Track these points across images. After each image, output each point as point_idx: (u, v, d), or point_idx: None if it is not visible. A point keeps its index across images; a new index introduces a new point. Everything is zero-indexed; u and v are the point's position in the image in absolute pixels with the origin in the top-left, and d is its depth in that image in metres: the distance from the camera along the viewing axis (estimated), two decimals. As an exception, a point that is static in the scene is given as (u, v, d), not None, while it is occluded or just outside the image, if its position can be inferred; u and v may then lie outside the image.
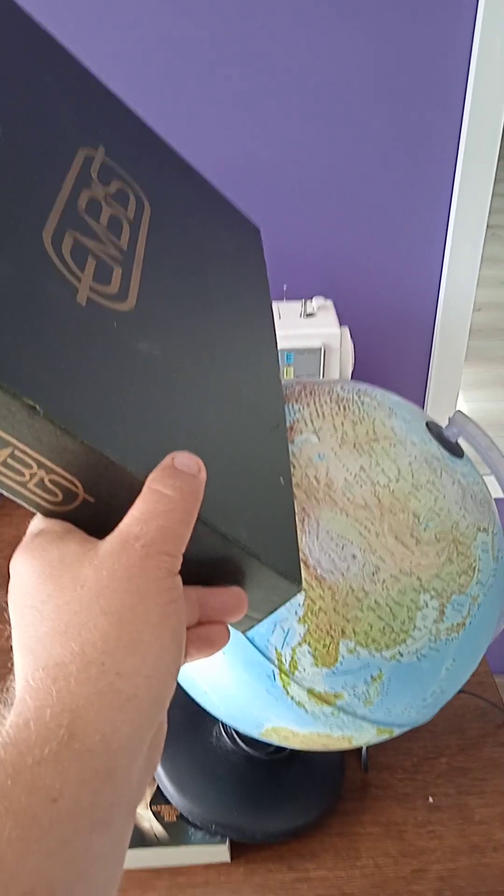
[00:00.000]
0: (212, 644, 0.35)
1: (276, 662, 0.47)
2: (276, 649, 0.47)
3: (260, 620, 0.39)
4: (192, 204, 0.54)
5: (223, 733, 0.74)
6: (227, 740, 0.73)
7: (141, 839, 0.69)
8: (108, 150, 0.46)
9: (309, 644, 0.46)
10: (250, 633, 0.47)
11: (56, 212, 0.37)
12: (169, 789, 0.71)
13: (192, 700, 0.58)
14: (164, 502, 0.30)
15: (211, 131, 1.13)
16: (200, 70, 1.08)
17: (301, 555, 0.45)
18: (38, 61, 0.46)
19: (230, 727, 0.73)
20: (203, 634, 0.35)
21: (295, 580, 0.36)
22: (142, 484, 0.30)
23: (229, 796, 0.71)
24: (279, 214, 1.21)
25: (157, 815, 0.71)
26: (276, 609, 0.39)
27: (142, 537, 0.29)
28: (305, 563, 0.45)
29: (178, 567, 0.30)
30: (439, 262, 1.27)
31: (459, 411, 0.55)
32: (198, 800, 0.70)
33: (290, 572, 0.36)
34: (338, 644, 0.46)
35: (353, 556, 0.45)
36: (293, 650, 0.46)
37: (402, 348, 1.37)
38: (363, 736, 0.52)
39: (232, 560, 0.35)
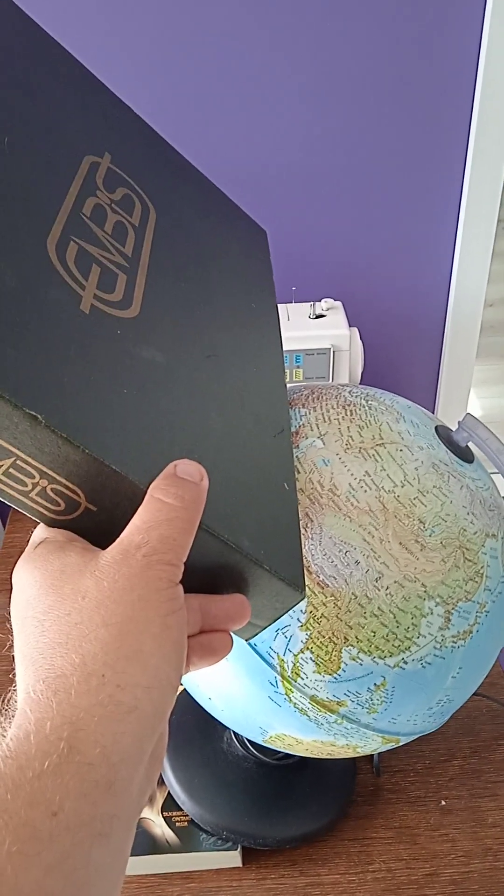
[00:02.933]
0: (214, 652, 0.35)
1: (279, 669, 0.47)
2: (278, 656, 0.47)
3: (263, 628, 0.39)
4: (198, 208, 0.54)
5: (234, 739, 0.74)
6: (238, 746, 0.73)
7: (153, 845, 0.69)
8: (113, 156, 0.46)
9: (311, 651, 0.46)
10: (252, 640, 0.47)
11: (60, 220, 0.37)
12: (180, 795, 0.71)
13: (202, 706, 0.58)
14: (165, 511, 0.30)
15: (220, 134, 1.13)
16: (209, 72, 1.08)
17: (304, 561, 0.45)
18: (43, 68, 0.47)
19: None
20: (205, 642, 0.35)
21: (298, 587, 0.36)
22: (144, 493, 0.30)
23: (240, 802, 0.70)
24: (288, 216, 1.21)
25: (168, 820, 0.71)
26: (279, 616, 0.38)
27: (143, 546, 0.29)
28: (308, 569, 0.45)
29: (180, 576, 0.30)
30: (449, 260, 1.27)
31: (469, 414, 0.55)
32: (209, 806, 0.70)
33: (293, 579, 0.36)
34: (340, 651, 0.45)
35: (357, 562, 0.45)
36: (295, 657, 0.46)
37: (412, 347, 1.36)
38: (368, 744, 0.51)
39: (235, 567, 0.34)
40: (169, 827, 0.71)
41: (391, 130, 1.14)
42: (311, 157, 1.16)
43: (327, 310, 1.08)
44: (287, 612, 0.38)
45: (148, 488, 0.30)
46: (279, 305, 1.09)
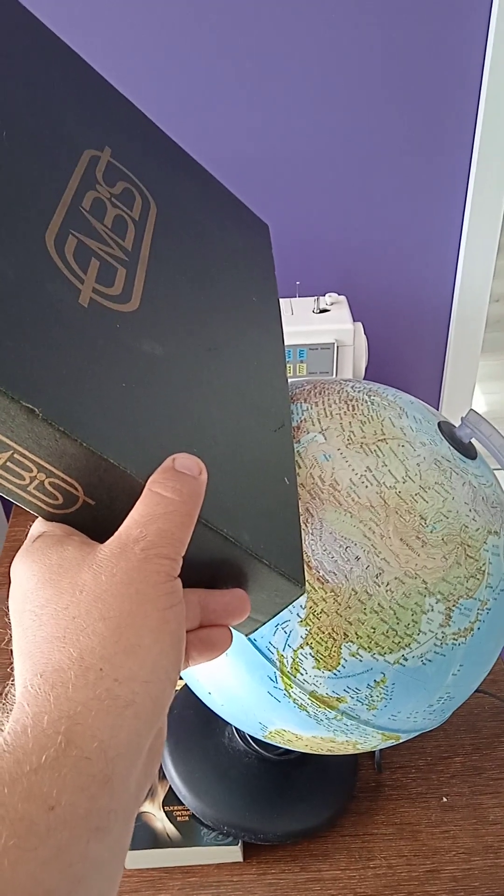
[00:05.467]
0: (214, 647, 0.35)
1: (278, 665, 0.47)
2: (277, 651, 0.46)
3: (263, 623, 0.39)
4: (198, 202, 0.53)
5: (235, 734, 0.74)
6: (240, 741, 0.73)
7: (154, 839, 0.69)
8: (114, 150, 0.46)
9: (310, 646, 0.46)
10: (252, 635, 0.47)
11: (59, 213, 0.37)
12: (181, 790, 0.71)
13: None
14: (163, 505, 0.30)
15: (223, 127, 1.12)
16: (211, 63, 1.07)
17: (304, 556, 0.45)
18: (43, 61, 0.46)
19: (241, 727, 0.73)
20: (205, 637, 0.34)
21: (298, 582, 0.36)
22: (142, 486, 0.30)
23: (242, 798, 0.70)
24: (294, 210, 1.20)
25: (169, 815, 0.71)
26: (279, 611, 0.38)
27: (141, 540, 0.29)
28: (308, 565, 0.45)
29: (178, 570, 0.30)
30: (454, 254, 1.26)
31: (473, 410, 0.54)
32: (210, 801, 0.70)
33: (293, 574, 0.36)
34: (340, 647, 0.45)
35: (357, 558, 0.45)
36: (295, 652, 0.46)
37: (416, 342, 1.36)
38: (368, 741, 0.51)
39: (234, 562, 0.34)
40: (170, 821, 0.71)
41: (396, 123, 1.13)
42: (317, 150, 1.15)
43: (331, 304, 1.08)
44: (287, 606, 0.38)
45: (146, 482, 0.30)
46: (283, 299, 1.09)
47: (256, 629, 0.39)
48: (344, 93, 1.10)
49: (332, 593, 0.45)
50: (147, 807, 0.72)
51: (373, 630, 0.45)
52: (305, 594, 0.45)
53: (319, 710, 0.48)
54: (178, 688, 0.78)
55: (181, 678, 0.69)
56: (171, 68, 1.07)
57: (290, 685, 0.47)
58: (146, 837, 0.70)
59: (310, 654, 0.46)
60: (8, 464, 0.30)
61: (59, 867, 0.23)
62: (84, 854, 0.24)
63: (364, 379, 0.75)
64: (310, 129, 1.13)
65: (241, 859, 0.70)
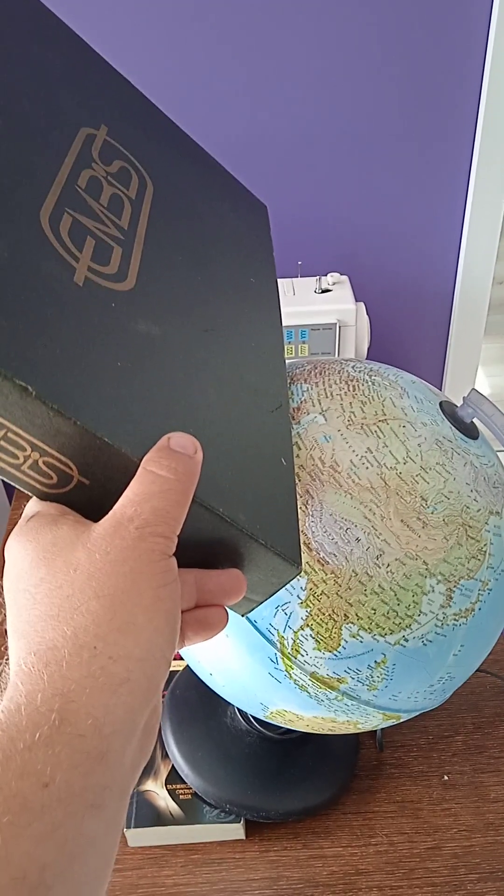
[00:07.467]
0: (210, 627, 0.35)
1: (279, 646, 0.47)
2: (278, 632, 0.46)
3: (259, 603, 0.39)
4: (196, 182, 0.53)
5: (237, 714, 0.74)
6: (242, 721, 0.74)
7: (157, 817, 0.70)
8: (110, 129, 0.46)
9: (311, 628, 0.46)
10: (252, 616, 0.47)
11: (55, 191, 0.37)
12: (184, 769, 0.71)
13: (204, 681, 0.58)
14: (158, 483, 0.30)
15: (222, 106, 1.11)
16: (209, 40, 1.06)
17: (303, 537, 0.45)
18: (39, 38, 0.46)
19: (244, 707, 0.73)
20: (200, 617, 0.34)
21: (294, 562, 0.36)
22: (137, 465, 0.30)
23: (244, 776, 0.71)
24: (295, 189, 1.19)
25: (172, 793, 0.72)
26: (275, 592, 0.38)
27: (135, 519, 0.29)
28: (308, 546, 0.45)
29: (173, 549, 0.30)
30: (458, 236, 1.25)
31: (475, 390, 0.54)
32: (212, 779, 0.70)
33: (289, 554, 0.36)
34: (340, 628, 0.45)
35: (357, 539, 0.45)
36: (295, 634, 0.46)
37: (419, 323, 1.35)
38: (369, 721, 0.51)
39: (230, 542, 0.34)
40: (173, 799, 0.71)
41: (399, 102, 1.12)
42: (320, 130, 1.14)
43: (333, 284, 1.07)
44: (283, 586, 0.38)
45: (141, 461, 0.30)
46: (285, 279, 1.08)
47: (253, 609, 0.39)
48: (347, 72, 1.09)
49: (333, 575, 0.45)
50: (150, 785, 0.72)
51: (373, 611, 0.45)
52: (302, 574, 0.45)
53: (320, 690, 0.48)
54: (179, 669, 0.79)
55: (182, 659, 0.69)
56: (171, 47, 1.06)
57: (290, 666, 0.47)
58: (149, 815, 0.70)
59: (310, 635, 0.46)
60: (2, 443, 0.29)
61: (54, 844, 0.23)
62: (79, 831, 0.24)
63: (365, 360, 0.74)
64: (313, 108, 1.12)
65: (243, 837, 0.71)
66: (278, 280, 0.55)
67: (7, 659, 0.29)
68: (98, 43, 0.55)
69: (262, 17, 1.04)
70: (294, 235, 1.21)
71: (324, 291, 1.06)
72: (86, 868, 0.25)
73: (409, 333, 1.35)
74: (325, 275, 1.09)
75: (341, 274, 1.10)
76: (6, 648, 0.29)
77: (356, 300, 1.06)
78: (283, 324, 0.64)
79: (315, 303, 1.05)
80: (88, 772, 0.25)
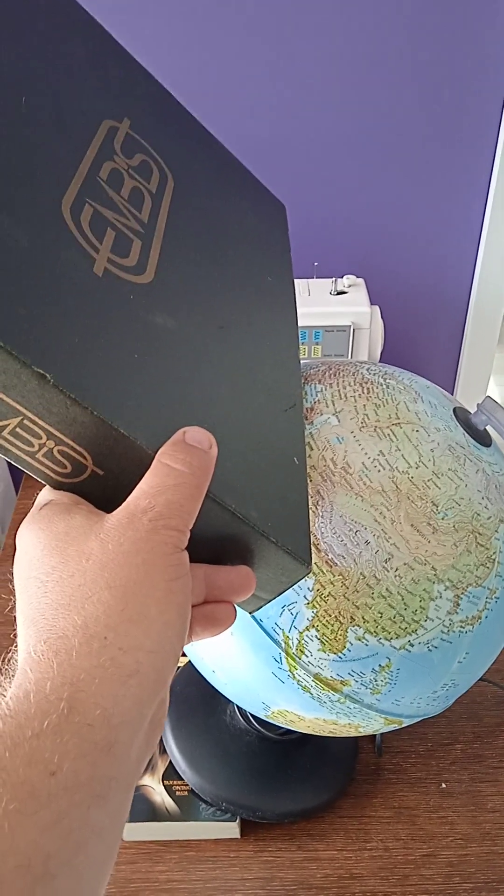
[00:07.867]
0: (217, 623, 0.35)
1: (283, 646, 0.47)
2: (283, 632, 0.46)
3: (268, 601, 0.39)
4: (216, 179, 0.53)
5: (237, 713, 0.74)
6: (241, 720, 0.74)
7: (152, 812, 0.70)
8: (133, 122, 0.46)
9: (317, 629, 0.46)
10: (258, 615, 0.47)
11: (76, 182, 0.37)
12: (181, 765, 0.71)
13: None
14: (173, 476, 0.30)
15: (241, 104, 1.11)
16: (230, 38, 1.05)
17: (312, 538, 0.45)
18: (64, 30, 0.46)
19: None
20: (209, 613, 0.34)
21: (304, 561, 0.36)
22: (151, 458, 0.30)
23: (241, 775, 0.71)
24: (312, 190, 1.19)
25: (168, 789, 0.71)
26: (284, 590, 0.38)
27: (149, 511, 0.29)
28: (317, 547, 0.45)
29: (186, 543, 0.30)
30: (475, 242, 1.24)
31: (489, 397, 0.54)
32: (209, 777, 0.70)
33: (299, 552, 0.35)
34: (346, 630, 0.45)
35: (367, 542, 0.45)
36: (301, 634, 0.46)
37: (433, 329, 1.35)
38: (371, 725, 0.51)
39: (241, 538, 0.34)
40: (169, 795, 0.71)
41: (419, 103, 1.11)
42: (340, 131, 1.13)
43: (349, 286, 1.07)
44: (292, 586, 0.38)
45: (156, 454, 0.30)
46: (300, 280, 1.08)
47: (261, 607, 0.39)
48: (368, 73, 1.08)
49: (340, 577, 0.45)
50: (146, 780, 0.72)
51: (380, 615, 0.45)
52: (310, 575, 0.45)
53: (323, 692, 0.48)
54: (181, 665, 0.79)
55: (185, 655, 0.69)
56: (192, 43, 1.06)
57: (294, 666, 0.47)
58: (145, 810, 0.70)
59: (315, 636, 0.46)
60: (17, 430, 0.29)
61: (60, 833, 0.23)
62: (84, 820, 0.24)
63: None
64: (332, 109, 1.11)
65: (238, 836, 0.71)
66: (294, 280, 0.55)
67: (16, 646, 0.29)
68: (123, 37, 0.55)
69: (286, 18, 1.04)
70: (311, 236, 1.21)
71: (339, 293, 1.06)
72: (90, 859, 0.24)
73: (423, 339, 1.35)
74: (341, 277, 1.09)
75: (357, 276, 1.10)
76: (15, 636, 0.29)
77: (371, 303, 1.06)
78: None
79: (330, 304, 1.05)
80: (95, 762, 0.25)
